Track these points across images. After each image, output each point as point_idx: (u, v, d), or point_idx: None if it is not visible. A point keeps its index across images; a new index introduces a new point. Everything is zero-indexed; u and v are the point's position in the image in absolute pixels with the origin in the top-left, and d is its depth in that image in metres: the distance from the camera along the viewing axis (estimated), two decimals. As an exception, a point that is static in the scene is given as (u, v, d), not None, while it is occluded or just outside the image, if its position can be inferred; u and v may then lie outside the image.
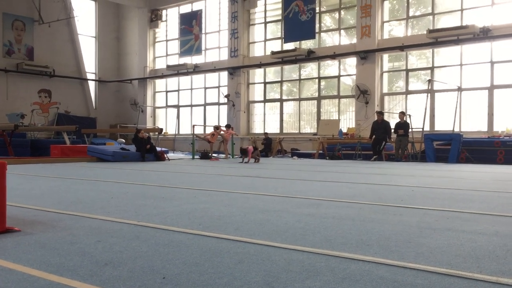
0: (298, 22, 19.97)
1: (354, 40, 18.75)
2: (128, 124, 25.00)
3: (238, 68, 21.79)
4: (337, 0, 19.61)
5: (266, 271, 2.39)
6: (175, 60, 24.70)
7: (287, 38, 20.48)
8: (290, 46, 20.34)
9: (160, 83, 26.28)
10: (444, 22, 17.17)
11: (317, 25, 19.80)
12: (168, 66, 24.33)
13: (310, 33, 19.79)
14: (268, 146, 19.46)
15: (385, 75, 18.51)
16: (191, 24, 24.09)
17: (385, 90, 18.42)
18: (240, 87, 21.84)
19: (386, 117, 15.80)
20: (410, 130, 14.71)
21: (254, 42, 22.16)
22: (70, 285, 2.18)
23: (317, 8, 19.77)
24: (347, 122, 19.31)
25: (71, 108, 24.90)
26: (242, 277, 2.29)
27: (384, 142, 14.93)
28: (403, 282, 2.21)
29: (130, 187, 6.70)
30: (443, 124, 16.59)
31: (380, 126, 14.83)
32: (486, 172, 9.95)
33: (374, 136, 14.92)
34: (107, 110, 26.77)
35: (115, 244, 2.99)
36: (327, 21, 20.55)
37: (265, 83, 22.04)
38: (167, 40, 25.65)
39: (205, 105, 24.07)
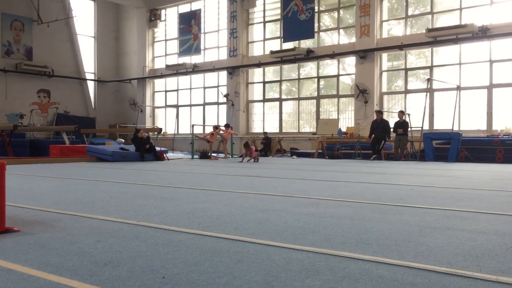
0: (297, 21, 19.97)
1: (353, 39, 18.76)
2: (127, 124, 25.00)
3: (237, 67, 21.79)
4: None
5: (265, 271, 2.39)
6: (174, 60, 24.69)
7: (286, 37, 20.48)
8: (289, 45, 20.34)
9: (159, 83, 26.27)
10: (443, 21, 17.17)
11: (316, 25, 19.80)
12: (167, 66, 24.32)
13: (309, 33, 19.79)
14: (268, 146, 19.47)
15: (384, 74, 18.51)
16: (190, 24, 24.08)
17: (384, 89, 18.43)
18: (239, 87, 21.84)
19: (385, 116, 15.80)
20: (409, 129, 14.72)
21: (253, 42, 22.16)
22: (69, 285, 2.18)
23: (316, 8, 19.77)
24: (346, 121, 19.31)
25: (70, 108, 24.89)
26: (241, 277, 2.29)
27: (383, 141, 14.93)
28: (403, 281, 2.21)
29: (129, 187, 6.69)
30: (442, 123, 16.59)
31: (379, 125, 14.84)
32: (485, 171, 9.96)
33: (373, 135, 14.93)
34: (106, 110, 26.76)
35: (115, 244, 2.99)
36: (326, 20, 20.55)
37: (264, 82, 22.04)
38: (166, 40, 25.64)
39: (204, 104, 24.07)
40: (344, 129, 17.91)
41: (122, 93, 27.35)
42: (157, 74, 25.53)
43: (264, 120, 21.94)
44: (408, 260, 2.57)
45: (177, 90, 25.20)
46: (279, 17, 20.99)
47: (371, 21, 17.92)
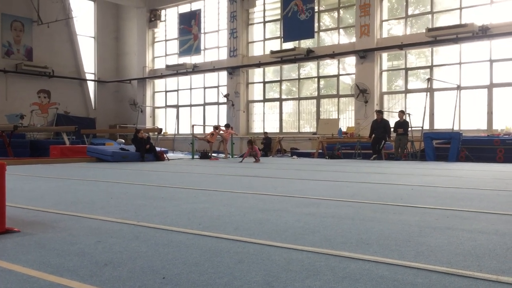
0: (297, 21, 19.97)
1: (353, 39, 18.75)
2: (127, 124, 25.01)
3: (237, 67, 21.79)
4: (336, -1, 19.63)
5: (266, 271, 2.39)
6: (174, 60, 24.69)
7: (286, 37, 20.48)
8: (289, 45, 20.34)
9: (159, 83, 26.27)
10: (443, 20, 17.17)
11: (316, 24, 19.80)
12: (167, 66, 24.33)
13: (309, 33, 19.79)
14: (268, 146, 19.47)
15: (384, 74, 18.51)
16: (190, 24, 24.08)
17: (384, 89, 18.42)
18: (239, 87, 21.84)
19: (385, 116, 15.79)
20: (409, 129, 14.71)
21: (253, 42, 22.16)
22: (69, 286, 2.18)
23: (316, 7, 19.77)
24: (347, 121, 19.31)
25: (70, 108, 24.89)
26: (242, 277, 2.29)
27: (383, 141, 14.93)
28: (403, 281, 2.21)
29: (129, 187, 6.69)
30: (443, 123, 16.59)
31: (380, 125, 14.83)
32: (485, 171, 9.96)
33: (373, 135, 14.92)
34: (106, 110, 26.77)
35: (115, 244, 2.99)
36: (326, 20, 20.55)
37: (264, 82, 22.03)
38: (166, 40, 25.65)
39: (204, 105, 24.07)
40: (344, 129, 17.90)
41: (122, 94, 27.35)
42: (157, 74, 25.53)
43: (264, 120, 21.94)
44: (409, 260, 2.57)
45: (177, 90, 25.21)
46: (279, 17, 20.99)
47: (371, 21, 17.92)
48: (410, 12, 18.00)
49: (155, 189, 6.48)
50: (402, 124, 14.62)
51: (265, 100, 22.01)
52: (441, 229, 3.45)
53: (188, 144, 19.34)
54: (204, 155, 16.25)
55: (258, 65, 21.38)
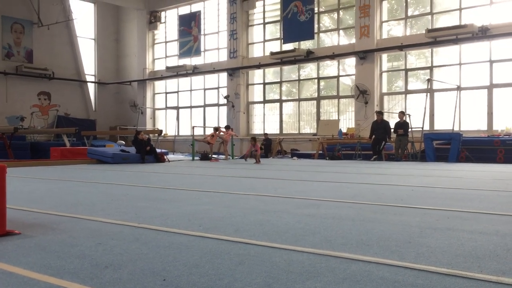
0: (297, 22, 19.98)
1: (353, 40, 18.77)
2: (127, 126, 25.01)
3: (237, 69, 21.80)
4: (335, 1, 19.63)
5: (266, 272, 2.39)
6: (174, 62, 24.72)
7: (286, 38, 20.49)
8: (289, 46, 20.35)
9: (159, 85, 26.29)
10: (442, 21, 17.18)
11: (316, 26, 19.82)
12: (167, 68, 24.35)
13: (309, 34, 19.80)
14: (268, 147, 19.47)
15: (384, 75, 18.52)
16: (190, 26, 24.10)
17: (384, 90, 18.43)
18: (239, 88, 21.85)
19: (385, 117, 15.80)
20: (409, 129, 14.72)
21: (253, 43, 22.17)
22: (70, 288, 2.18)
23: (316, 9, 19.79)
24: (347, 122, 19.31)
25: (70, 110, 24.91)
26: (242, 279, 2.29)
27: (383, 142, 14.93)
28: (403, 282, 2.21)
29: (130, 189, 6.69)
30: (443, 124, 16.59)
31: (380, 126, 14.83)
32: (486, 171, 9.96)
33: (373, 136, 14.92)
34: (106, 112, 26.78)
35: (116, 246, 2.99)
36: (326, 21, 20.57)
37: (264, 83, 22.05)
38: (166, 42, 25.67)
39: (204, 106, 24.08)
40: (344, 130, 17.91)
41: (122, 95, 27.37)
42: (157, 76, 25.55)
43: (265, 121, 21.95)
44: (409, 261, 2.57)
45: (177, 92, 25.22)
46: (279, 18, 21.01)
47: (371, 22, 17.93)
48: (410, 13, 18.01)
49: (155, 190, 6.48)
50: (402, 125, 14.62)
51: (265, 101, 22.02)
52: (441, 230, 3.45)
53: (189, 145, 19.34)
54: (205, 157, 16.25)
55: (258, 66, 21.39)
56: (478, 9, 16.27)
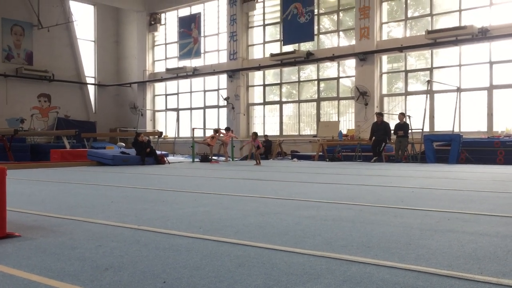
0: (297, 24, 20.00)
1: (353, 42, 18.77)
2: (127, 127, 25.01)
3: (237, 70, 21.81)
4: (335, 2, 19.64)
5: (266, 274, 2.39)
6: (174, 64, 24.73)
7: (286, 40, 20.50)
8: (289, 48, 20.36)
9: (159, 87, 26.29)
10: (442, 23, 17.19)
11: (316, 27, 19.83)
12: (167, 70, 24.36)
13: (309, 35, 19.81)
14: (268, 149, 19.46)
15: (384, 76, 18.52)
16: (190, 27, 24.12)
17: (384, 91, 18.43)
18: (239, 90, 21.85)
19: (385, 118, 15.80)
20: (409, 131, 14.72)
21: (253, 45, 22.18)
22: (70, 291, 2.18)
23: (316, 10, 19.79)
24: (347, 123, 19.31)
25: (70, 112, 24.92)
26: (242, 281, 2.29)
27: (384, 143, 14.93)
28: (404, 284, 2.21)
29: (130, 191, 6.70)
30: (443, 125, 16.59)
31: (380, 127, 14.83)
32: (486, 173, 9.96)
33: (374, 138, 14.93)
34: (106, 114, 26.78)
35: (116, 248, 2.99)
36: (326, 23, 20.58)
37: (264, 85, 22.05)
38: (166, 44, 25.68)
39: (204, 108, 24.08)
40: (344, 132, 17.90)
41: (122, 97, 27.38)
42: (157, 78, 25.55)
43: (265, 123, 21.95)
44: (409, 263, 2.57)
45: (177, 94, 25.22)
46: (279, 20, 21.02)
47: (371, 24, 17.94)
48: (409, 15, 18.02)
49: (155, 192, 6.48)
50: (403, 126, 14.62)
51: (265, 103, 22.02)
52: (442, 232, 3.45)
53: (189, 147, 19.33)
54: (205, 159, 16.26)
55: (258, 68, 21.40)
56: (478, 10, 16.27)
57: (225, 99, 22.27)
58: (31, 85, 23.57)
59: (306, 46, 20.33)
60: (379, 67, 18.33)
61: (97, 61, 26.93)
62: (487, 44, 15.99)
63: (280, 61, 20.36)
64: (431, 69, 17.41)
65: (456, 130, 15.73)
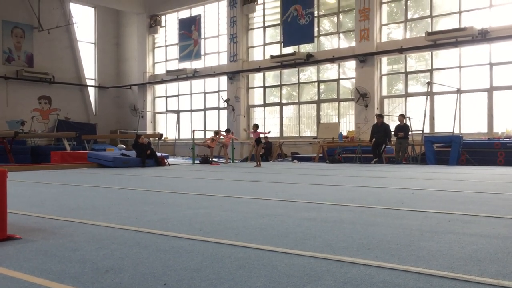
0: (297, 26, 20.01)
1: (353, 44, 18.79)
2: (128, 129, 25.02)
3: (237, 72, 21.82)
4: (335, 4, 19.67)
5: (267, 276, 2.39)
6: (174, 65, 24.74)
7: (286, 42, 20.52)
8: (289, 50, 20.38)
9: (159, 89, 26.31)
10: (442, 24, 17.20)
11: (316, 29, 19.84)
12: (167, 71, 24.37)
13: (309, 37, 19.83)
14: (268, 150, 19.45)
15: (384, 78, 18.53)
16: (190, 29, 24.14)
17: (384, 93, 18.44)
18: (239, 92, 21.87)
19: (386, 120, 15.80)
20: (410, 132, 14.72)
21: (253, 47, 22.20)
22: (71, 293, 2.18)
23: (316, 12, 19.81)
24: (347, 125, 19.32)
25: (71, 114, 24.93)
26: (243, 283, 2.29)
27: (384, 145, 14.92)
28: (404, 286, 2.21)
29: (130, 193, 6.70)
30: (443, 126, 16.59)
31: (380, 129, 14.84)
32: (486, 174, 9.95)
33: (374, 139, 14.92)
34: (107, 116, 26.80)
35: (116, 250, 2.99)
36: (326, 24, 20.60)
37: (264, 87, 22.06)
38: (166, 46, 25.70)
39: (204, 110, 24.09)
40: (344, 133, 17.90)
41: (122, 99, 27.40)
42: (157, 80, 25.57)
43: (265, 124, 21.94)
44: (410, 265, 2.57)
45: (177, 96, 25.23)
46: (279, 22, 21.04)
47: (371, 25, 17.96)
48: (409, 16, 18.04)
49: (156, 194, 6.48)
50: (403, 128, 14.62)
51: (265, 104, 22.03)
52: (442, 233, 3.45)
53: (189, 149, 19.33)
54: (205, 160, 16.26)
55: (258, 69, 21.42)
56: (478, 12, 16.29)
57: (225, 101, 22.28)
58: (31, 87, 23.58)
59: (306, 48, 20.36)
60: (379, 68, 18.34)
61: (98, 63, 26.95)
62: (487, 45, 16.00)
63: (280, 63, 20.37)
64: (431, 71, 17.42)
65: (456, 131, 15.73)
